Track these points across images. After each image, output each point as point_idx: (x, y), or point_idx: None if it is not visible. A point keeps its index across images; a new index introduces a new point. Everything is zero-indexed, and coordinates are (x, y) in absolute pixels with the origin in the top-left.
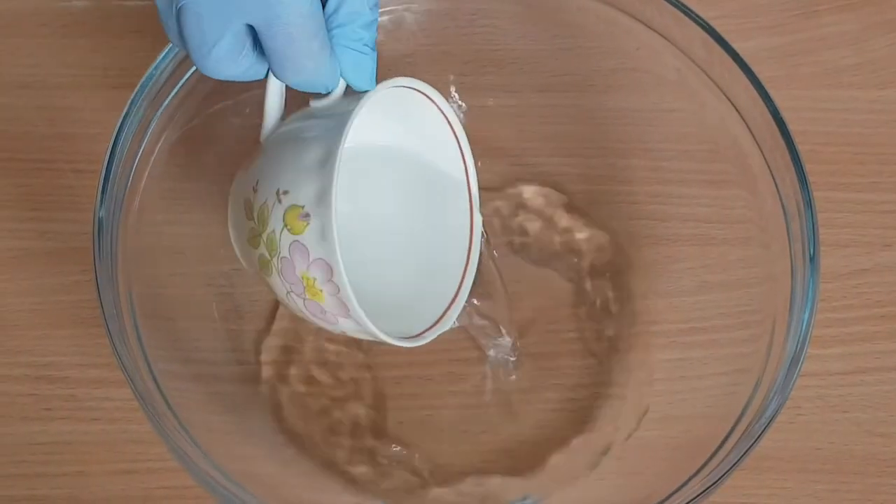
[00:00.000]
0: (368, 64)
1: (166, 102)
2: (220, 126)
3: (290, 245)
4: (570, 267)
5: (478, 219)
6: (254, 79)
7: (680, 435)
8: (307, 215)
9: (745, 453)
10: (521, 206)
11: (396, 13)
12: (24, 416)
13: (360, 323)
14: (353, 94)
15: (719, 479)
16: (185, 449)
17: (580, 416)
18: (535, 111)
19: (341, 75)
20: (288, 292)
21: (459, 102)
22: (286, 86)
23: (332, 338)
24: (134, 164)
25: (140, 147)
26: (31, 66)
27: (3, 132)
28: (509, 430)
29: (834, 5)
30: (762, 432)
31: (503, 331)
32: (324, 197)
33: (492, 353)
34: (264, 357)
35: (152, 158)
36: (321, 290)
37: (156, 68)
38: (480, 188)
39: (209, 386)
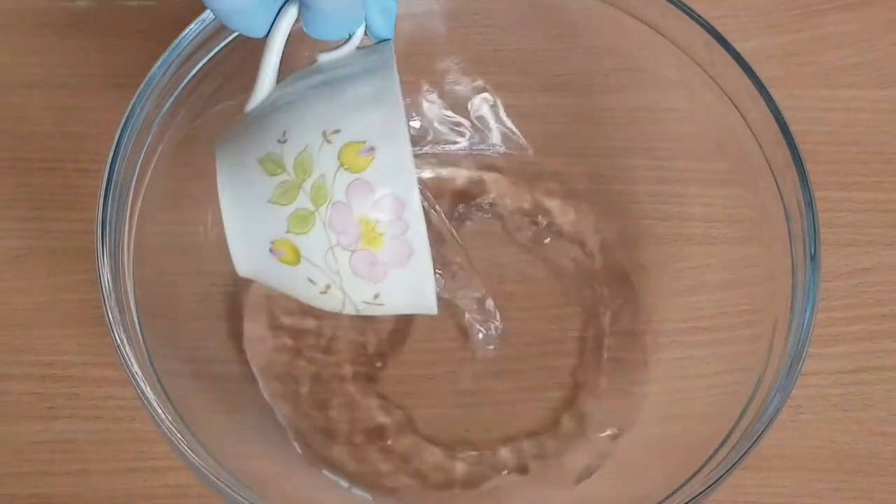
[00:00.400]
0: (394, 9)
1: (169, 102)
2: (223, 126)
3: (349, 185)
4: (571, 266)
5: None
6: (254, 31)
7: (681, 434)
8: (371, 149)
9: (746, 452)
10: (521, 205)
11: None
12: (28, 414)
13: (419, 268)
14: (363, 49)
15: (720, 477)
16: (187, 448)
17: (582, 416)
18: (537, 111)
19: (366, 20)
20: (331, 248)
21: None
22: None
23: (330, 335)
24: (137, 163)
25: (143, 146)
26: (35, 66)
27: (7, 132)
28: (510, 429)
29: (835, 5)
30: (763, 431)
31: (476, 297)
32: (393, 125)
33: (479, 333)
34: (260, 355)
35: (155, 158)
36: (382, 234)
37: (158, 68)
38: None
39: (212, 385)
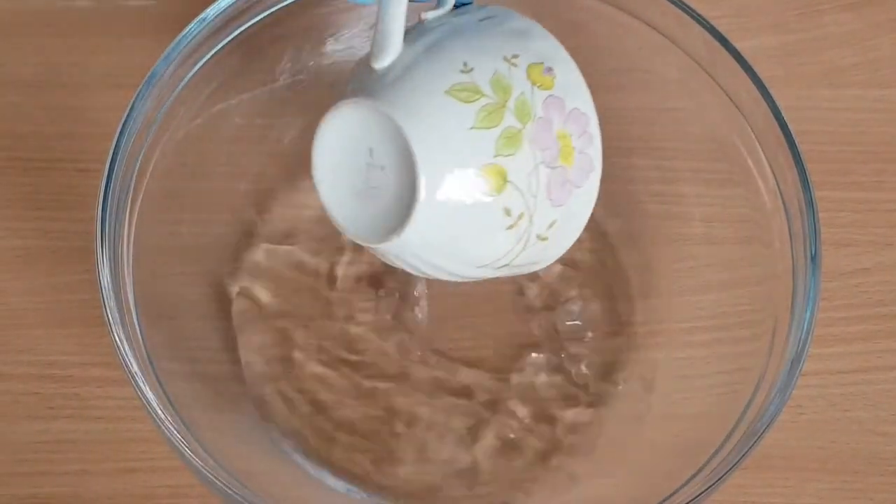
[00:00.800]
0: None
1: (169, 102)
2: (223, 126)
3: (545, 101)
4: (571, 266)
5: None
6: None
7: (681, 434)
8: (550, 69)
9: (746, 452)
10: None
11: None
12: (28, 414)
13: (593, 184)
14: (453, 11)
15: (721, 478)
16: (187, 448)
17: (581, 416)
18: None
19: None
20: (536, 166)
21: None
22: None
23: (330, 334)
24: (137, 163)
25: (143, 146)
26: (36, 66)
27: (8, 131)
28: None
29: (836, 4)
30: (763, 431)
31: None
32: (557, 50)
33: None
34: (259, 356)
35: (155, 157)
36: (573, 149)
37: (158, 68)
38: None
39: (212, 385)
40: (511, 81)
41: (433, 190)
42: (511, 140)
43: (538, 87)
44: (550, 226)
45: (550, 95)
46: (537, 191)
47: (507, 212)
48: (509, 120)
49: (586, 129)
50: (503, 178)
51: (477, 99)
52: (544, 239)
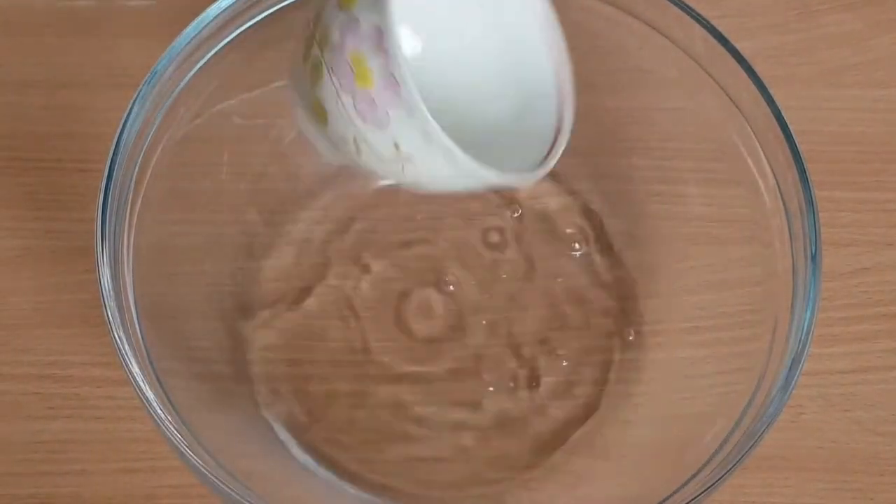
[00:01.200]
0: None
1: (169, 102)
2: (223, 125)
3: (343, 24)
4: (571, 266)
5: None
6: None
7: (681, 434)
8: None
9: (746, 452)
10: (520, 203)
11: None
12: (28, 414)
13: (411, 102)
14: None
15: (721, 478)
16: (187, 448)
17: (581, 415)
18: None
19: None
20: (337, 93)
21: None
22: None
23: (330, 335)
24: (137, 162)
25: (143, 146)
26: (35, 65)
27: (8, 131)
28: (511, 429)
29: (836, 4)
30: (763, 431)
31: None
32: None
33: None
34: (260, 355)
35: (155, 157)
36: (370, 70)
37: (158, 68)
38: None
39: (212, 384)
40: (323, 12)
41: (302, 125)
42: (316, 69)
43: (341, 9)
44: (397, 147)
45: (348, 16)
46: (350, 116)
47: (344, 140)
48: (315, 50)
49: (381, 45)
50: (323, 109)
51: (307, 41)
52: (407, 159)
